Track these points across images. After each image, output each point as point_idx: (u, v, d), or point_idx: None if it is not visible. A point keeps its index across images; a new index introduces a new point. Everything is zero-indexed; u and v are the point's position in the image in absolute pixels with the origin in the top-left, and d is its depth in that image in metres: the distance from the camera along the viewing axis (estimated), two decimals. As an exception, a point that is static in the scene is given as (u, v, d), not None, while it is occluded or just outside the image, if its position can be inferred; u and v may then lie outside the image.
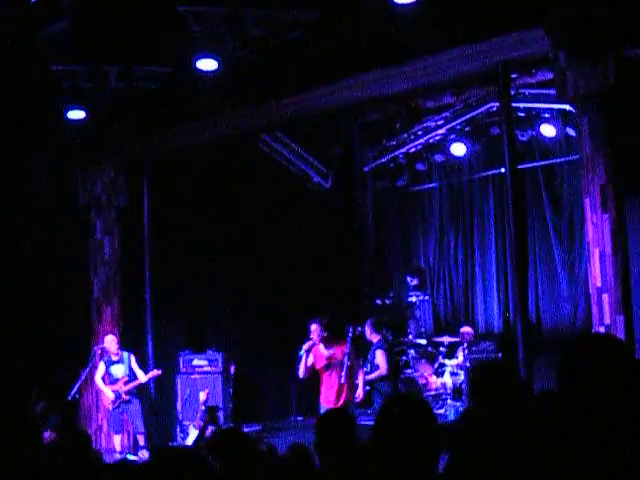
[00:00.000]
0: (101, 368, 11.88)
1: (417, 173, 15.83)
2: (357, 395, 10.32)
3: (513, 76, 10.76)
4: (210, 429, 10.95)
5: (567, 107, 11.77)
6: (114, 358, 11.90)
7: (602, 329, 8.70)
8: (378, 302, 15.28)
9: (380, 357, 11.58)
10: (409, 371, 13.53)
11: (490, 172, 15.07)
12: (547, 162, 14.44)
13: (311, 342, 10.22)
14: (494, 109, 13.60)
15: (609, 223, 8.79)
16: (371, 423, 3.23)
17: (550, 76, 10.27)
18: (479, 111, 14.11)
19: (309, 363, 10.22)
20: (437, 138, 15.08)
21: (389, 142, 15.55)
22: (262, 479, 4.56)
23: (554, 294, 14.54)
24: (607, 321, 8.72)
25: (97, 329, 12.87)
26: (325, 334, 10.31)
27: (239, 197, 14.18)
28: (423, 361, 13.73)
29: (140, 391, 12.12)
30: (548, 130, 13.75)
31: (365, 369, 11.13)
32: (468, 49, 9.75)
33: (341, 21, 9.68)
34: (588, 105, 8.96)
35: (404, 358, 13.95)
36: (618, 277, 8.75)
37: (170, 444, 12.04)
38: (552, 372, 2.92)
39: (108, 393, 11.76)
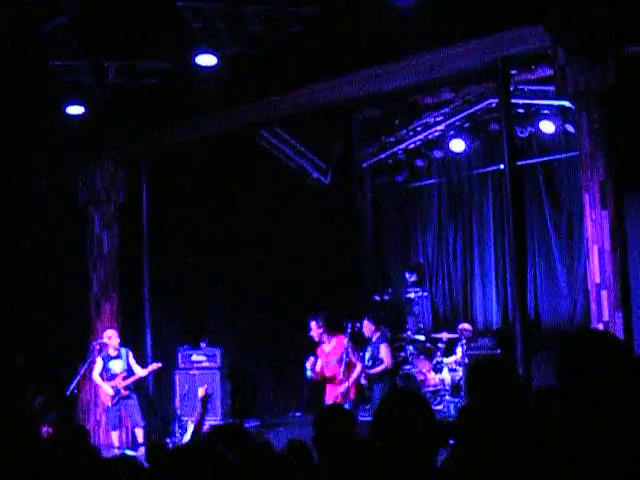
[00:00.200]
0: (99, 364, 11.85)
1: (416, 169, 15.82)
2: (342, 388, 10.25)
3: (512, 72, 10.77)
4: (208, 425, 10.96)
5: (566, 104, 11.76)
6: (112, 353, 11.88)
7: (601, 325, 8.71)
8: (377, 298, 15.29)
9: (385, 351, 11.61)
10: (407, 367, 13.54)
11: (489, 168, 15.07)
12: (546, 158, 14.44)
13: (312, 359, 10.30)
14: (493, 105, 13.60)
15: (608, 219, 8.79)
16: (369, 419, 3.23)
17: (549, 72, 10.28)
18: (478, 107, 14.11)
19: (318, 368, 10.28)
20: (436, 134, 15.08)
21: (388, 138, 15.54)
22: (260, 475, 4.57)
23: (553, 290, 14.55)
24: (606, 317, 8.73)
25: (96, 324, 12.87)
26: (323, 330, 10.34)
27: (238, 193, 14.18)
28: (422, 357, 13.73)
29: (137, 386, 12.12)
30: (547, 126, 13.75)
31: (367, 363, 11.13)
32: (467, 45, 9.75)
33: (340, 17, 9.67)
34: (587, 102, 8.96)
35: (402, 354, 13.96)
36: (617, 274, 8.76)
37: (167, 440, 12.03)
38: (551, 368, 2.92)
39: (107, 389, 11.74)
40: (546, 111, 13.64)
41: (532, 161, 14.47)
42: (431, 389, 13.11)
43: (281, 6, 9.49)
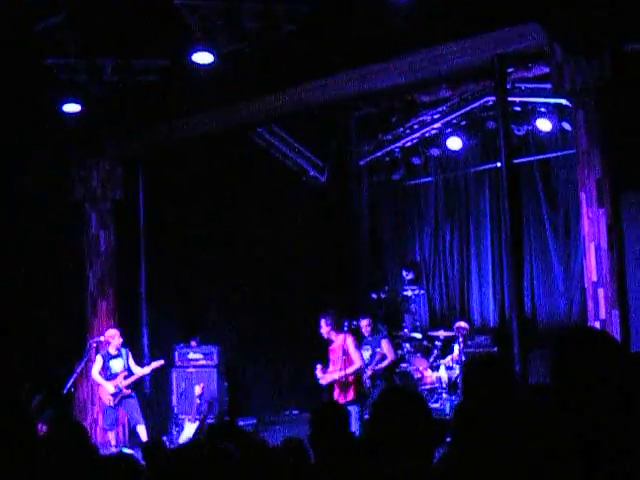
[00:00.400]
0: (98, 362, 11.82)
1: (413, 167, 15.82)
2: (336, 375, 10.27)
3: (509, 70, 10.75)
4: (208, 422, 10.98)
5: (563, 101, 11.76)
6: (113, 352, 11.86)
7: (597, 323, 8.71)
8: (374, 296, 15.29)
9: (386, 345, 11.70)
10: (404, 365, 13.53)
11: (486, 166, 15.07)
12: (543, 156, 14.44)
13: (319, 367, 10.35)
14: (490, 103, 13.59)
15: (605, 217, 8.80)
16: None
17: (546, 70, 10.27)
18: (475, 105, 14.10)
19: (325, 377, 10.32)
20: (433, 132, 15.07)
21: (385, 136, 15.53)
22: (256, 473, 4.56)
23: (550, 288, 14.55)
24: (602, 315, 8.73)
25: (92, 322, 12.86)
26: (331, 328, 10.34)
27: (235, 191, 14.18)
28: (418, 355, 13.74)
29: (136, 384, 12.11)
30: (544, 124, 13.75)
31: (367, 361, 11.14)
32: (464, 43, 9.75)
33: (337, 15, 9.66)
34: (584, 99, 8.96)
35: (399, 352, 13.94)
36: (614, 271, 8.76)
37: (164, 438, 12.02)
38: (547, 366, 2.92)
39: (108, 387, 11.70)
40: (543, 109, 13.64)
41: (529, 159, 14.47)
42: (428, 387, 13.11)
43: (278, 4, 9.47)
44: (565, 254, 14.24)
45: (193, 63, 10.04)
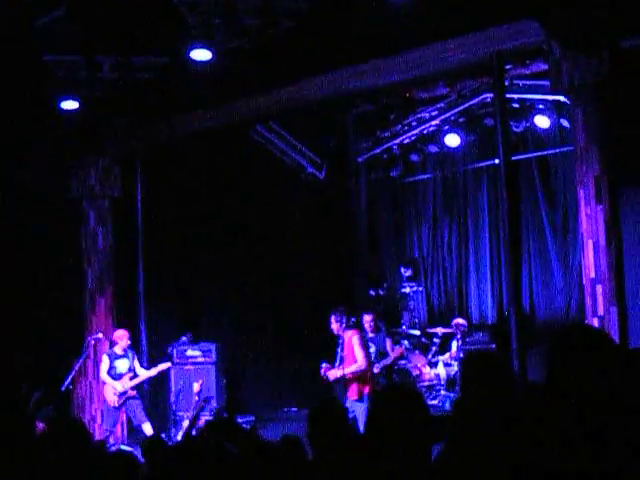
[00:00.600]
0: (105, 362, 11.78)
1: (411, 164, 15.82)
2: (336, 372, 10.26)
3: (507, 67, 10.76)
4: (203, 419, 10.96)
5: (561, 98, 11.75)
6: (119, 352, 11.84)
7: (596, 320, 8.72)
8: (372, 293, 15.29)
9: (390, 344, 11.78)
10: (403, 362, 13.53)
11: (484, 163, 15.07)
12: (541, 153, 14.44)
13: (325, 366, 10.29)
14: (488, 100, 13.59)
15: (603, 214, 8.80)
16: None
17: (544, 67, 10.27)
18: (473, 102, 14.09)
19: (331, 375, 10.30)
20: (431, 129, 15.07)
21: (383, 133, 15.54)
22: (254, 470, 4.57)
23: (548, 285, 14.56)
24: (601, 312, 8.73)
25: (91, 319, 12.85)
26: (341, 324, 10.28)
27: (233, 188, 14.17)
28: (417, 352, 13.75)
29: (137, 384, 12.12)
30: (542, 121, 13.74)
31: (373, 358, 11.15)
32: (462, 40, 9.74)
33: (335, 11, 9.66)
34: (582, 96, 8.96)
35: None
36: (612, 268, 8.76)
37: (163, 435, 12.02)
38: (545, 364, 2.93)
39: (117, 386, 11.67)
40: (541, 106, 13.64)
41: (527, 156, 14.47)
42: (426, 384, 13.12)
43: (275, 0, 9.47)
44: (563, 251, 14.25)
45: (191, 60, 10.05)
